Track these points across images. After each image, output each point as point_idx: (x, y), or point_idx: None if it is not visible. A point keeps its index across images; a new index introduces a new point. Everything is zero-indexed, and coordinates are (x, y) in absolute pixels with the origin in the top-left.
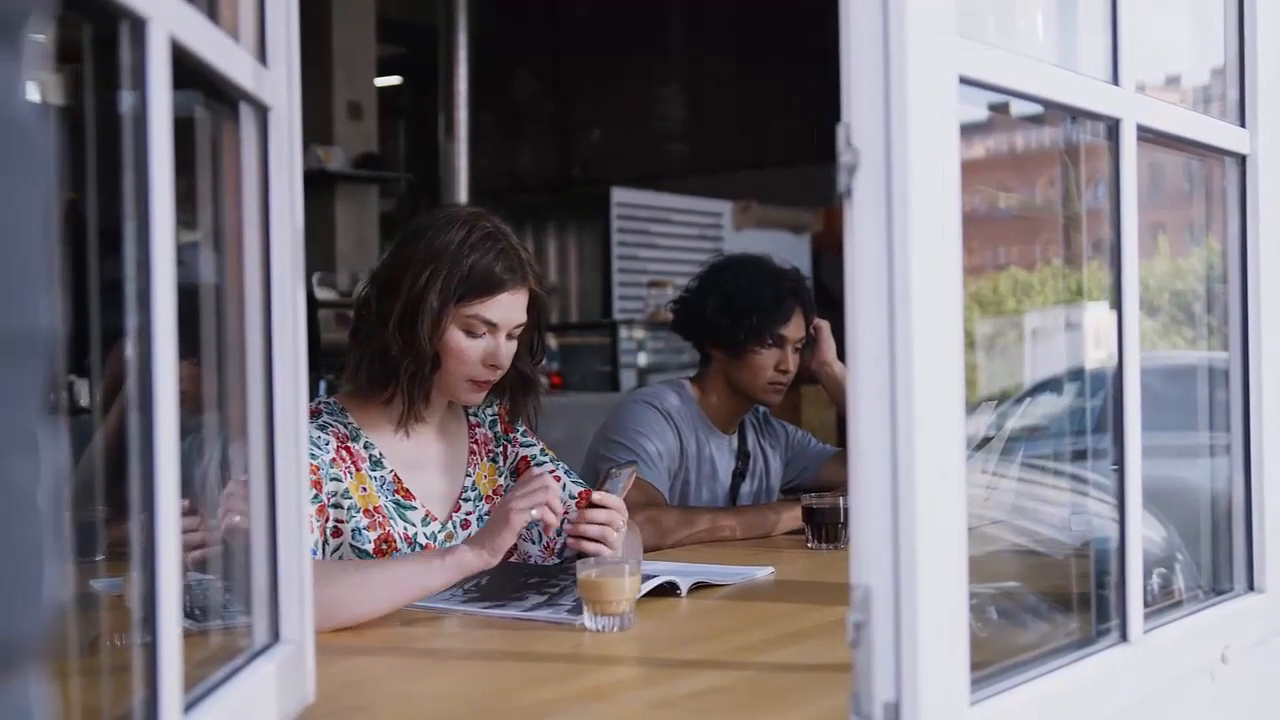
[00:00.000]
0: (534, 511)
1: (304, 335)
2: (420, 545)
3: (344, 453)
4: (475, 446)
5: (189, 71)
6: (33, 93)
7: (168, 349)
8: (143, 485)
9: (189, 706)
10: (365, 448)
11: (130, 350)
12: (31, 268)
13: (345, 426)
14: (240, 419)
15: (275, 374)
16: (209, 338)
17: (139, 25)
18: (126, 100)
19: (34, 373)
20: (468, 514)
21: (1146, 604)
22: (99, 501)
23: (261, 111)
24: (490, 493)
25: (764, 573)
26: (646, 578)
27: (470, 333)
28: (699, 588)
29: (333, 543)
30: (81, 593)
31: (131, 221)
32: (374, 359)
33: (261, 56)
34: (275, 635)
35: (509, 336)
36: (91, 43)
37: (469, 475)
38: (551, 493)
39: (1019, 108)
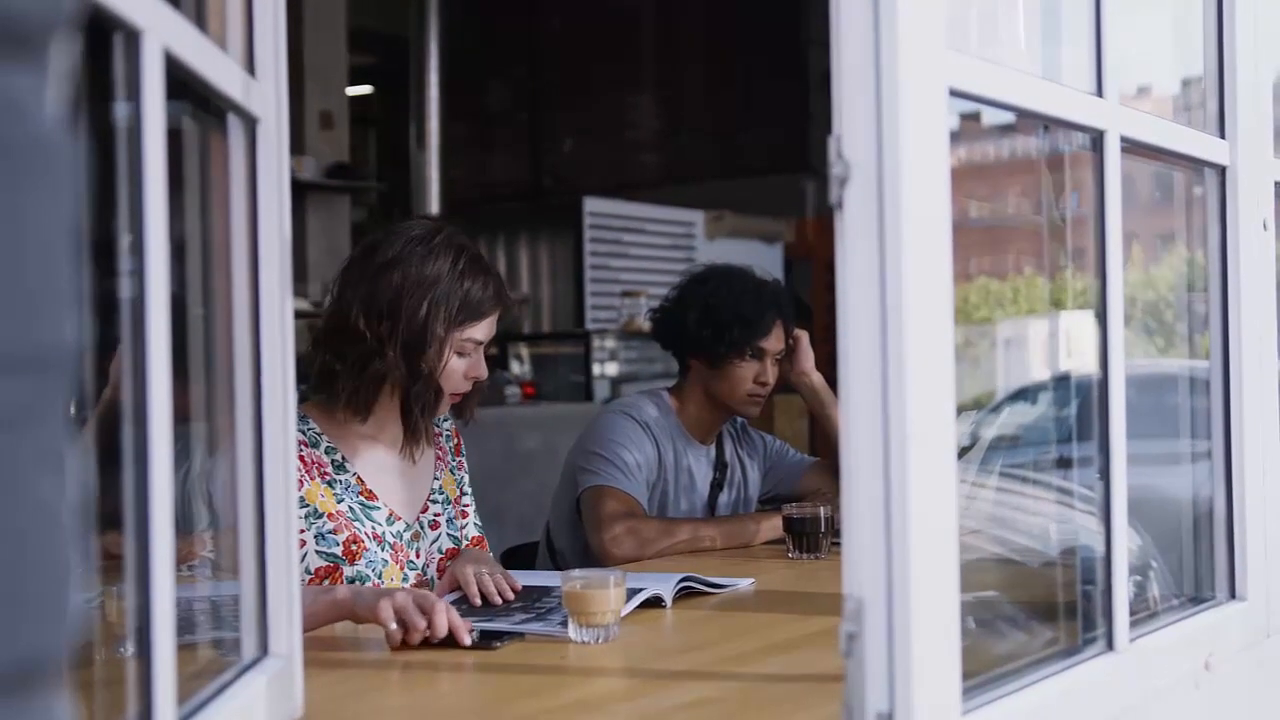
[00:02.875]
0: (393, 625)
1: (292, 347)
2: (389, 544)
3: (298, 460)
4: (440, 453)
5: (178, 82)
6: (57, 107)
7: (160, 360)
8: (136, 499)
9: None
10: (327, 453)
11: (125, 362)
12: (58, 284)
13: (304, 433)
14: (226, 431)
15: (264, 386)
16: (195, 350)
17: (133, 37)
18: (120, 111)
19: (60, 389)
20: (436, 515)
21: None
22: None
23: (250, 123)
24: (453, 499)
25: (746, 583)
26: (631, 592)
27: (461, 354)
28: (685, 595)
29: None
30: None
31: (125, 232)
32: (372, 385)
33: (250, 68)
34: (264, 649)
35: (486, 349)
36: (82, 53)
37: (436, 479)
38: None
39: (990, 117)
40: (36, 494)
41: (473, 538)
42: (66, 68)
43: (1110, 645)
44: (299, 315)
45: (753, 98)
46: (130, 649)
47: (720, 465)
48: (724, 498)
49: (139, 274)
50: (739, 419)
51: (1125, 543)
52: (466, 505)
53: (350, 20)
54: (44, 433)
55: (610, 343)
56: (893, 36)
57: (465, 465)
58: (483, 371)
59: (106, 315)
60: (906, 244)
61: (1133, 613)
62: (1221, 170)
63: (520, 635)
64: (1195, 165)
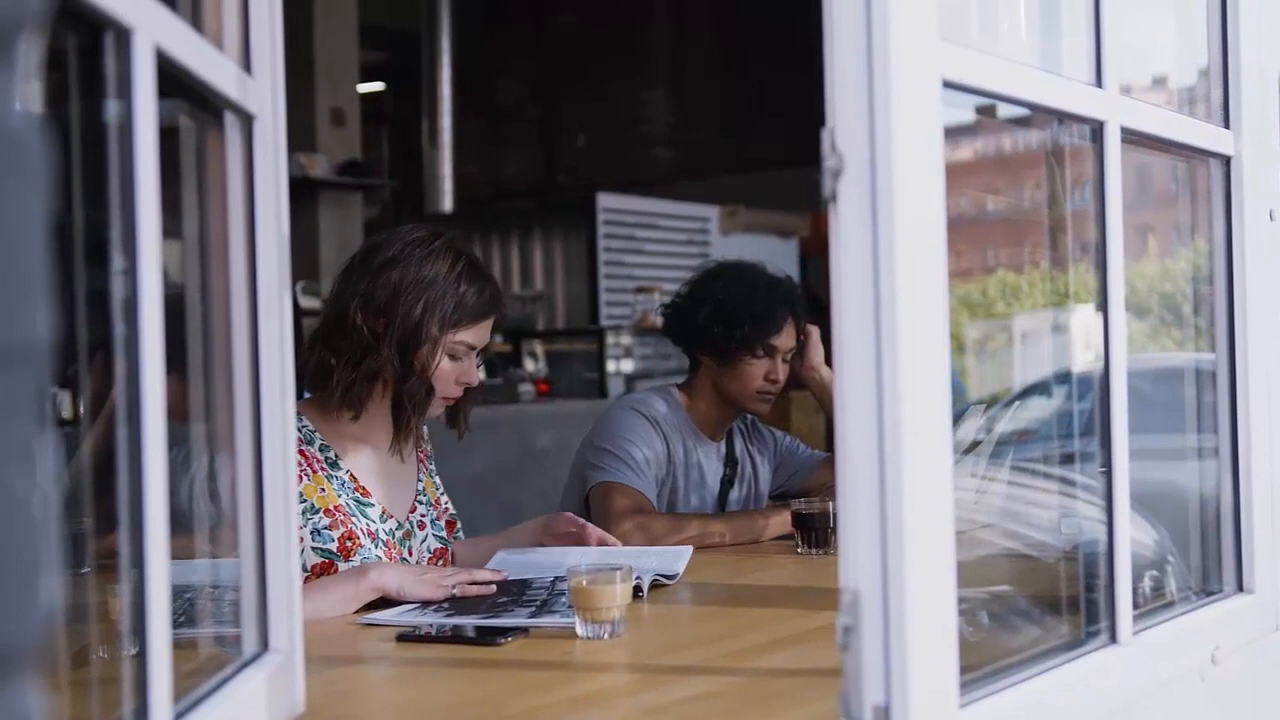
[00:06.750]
0: (455, 590)
1: (290, 346)
2: (382, 541)
3: (298, 457)
4: (422, 457)
5: (173, 80)
6: (26, 103)
7: (154, 359)
8: (131, 497)
9: (178, 716)
10: (321, 450)
11: (118, 361)
12: (29, 279)
13: (300, 431)
14: (226, 431)
15: (263, 385)
16: (194, 349)
17: (124, 35)
18: (111, 109)
19: (31, 382)
20: (422, 516)
21: (1137, 606)
22: (86, 514)
23: (246, 120)
24: (434, 501)
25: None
26: None
27: (453, 357)
28: (662, 590)
29: None
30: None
31: (117, 231)
32: (365, 380)
33: (246, 65)
34: (264, 644)
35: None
36: (75, 51)
37: (420, 481)
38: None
39: (1005, 110)
40: (6, 485)
41: (435, 549)
42: (35, 64)
43: (1113, 638)
44: (311, 314)
45: (765, 92)
46: (129, 648)
47: (731, 461)
48: (735, 494)
49: (131, 274)
50: (749, 415)
51: (1128, 534)
52: (447, 504)
53: (361, 16)
54: (14, 425)
55: (625, 339)
56: (884, 28)
57: (435, 470)
58: (474, 378)
59: (108, 316)
60: (900, 237)
61: (1146, 607)
62: (1226, 160)
63: (525, 631)
64: (1200, 156)
